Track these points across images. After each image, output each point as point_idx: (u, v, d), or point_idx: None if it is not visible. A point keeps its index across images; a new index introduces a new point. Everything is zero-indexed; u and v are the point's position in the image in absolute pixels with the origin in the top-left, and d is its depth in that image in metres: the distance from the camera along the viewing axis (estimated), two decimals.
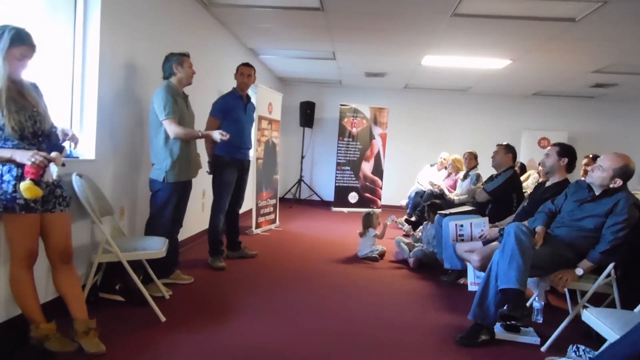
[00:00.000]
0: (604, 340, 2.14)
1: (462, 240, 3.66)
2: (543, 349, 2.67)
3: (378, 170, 8.51)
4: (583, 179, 3.18)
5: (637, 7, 3.86)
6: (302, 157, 8.99)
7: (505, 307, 2.59)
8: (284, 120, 7.28)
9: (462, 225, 3.65)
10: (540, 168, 4.12)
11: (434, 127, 9.10)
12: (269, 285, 3.64)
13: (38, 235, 2.16)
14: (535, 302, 3.04)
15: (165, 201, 3.19)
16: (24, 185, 1.92)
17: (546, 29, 4.61)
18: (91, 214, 2.65)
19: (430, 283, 4.01)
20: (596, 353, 2.28)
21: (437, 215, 4.27)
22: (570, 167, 3.28)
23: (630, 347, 1.79)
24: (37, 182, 1.96)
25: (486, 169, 4.96)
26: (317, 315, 3.06)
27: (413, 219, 6.26)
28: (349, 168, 8.35)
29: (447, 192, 5.88)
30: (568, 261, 2.70)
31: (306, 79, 8.87)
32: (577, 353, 2.51)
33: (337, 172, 8.33)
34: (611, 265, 2.57)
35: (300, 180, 8.98)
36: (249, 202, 5.41)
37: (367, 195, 8.43)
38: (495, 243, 3.17)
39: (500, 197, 4.08)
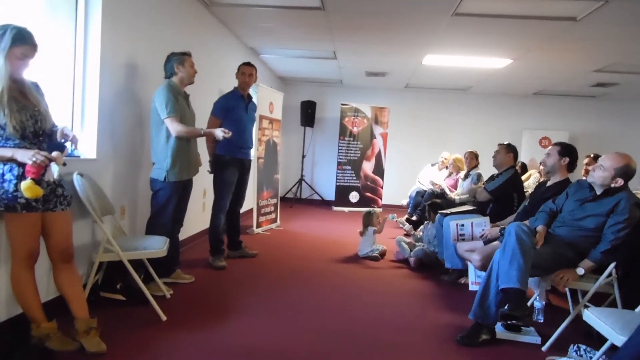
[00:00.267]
0: (605, 340, 2.14)
1: (463, 239, 3.66)
2: (544, 348, 2.67)
3: (379, 170, 8.51)
4: (584, 178, 3.18)
5: (638, 7, 3.85)
6: (303, 157, 8.99)
7: (506, 307, 2.58)
8: (285, 119, 7.28)
9: (463, 225, 3.65)
10: (541, 167, 4.14)
11: (435, 127, 9.10)
12: (269, 285, 3.64)
13: (39, 235, 2.16)
14: (536, 301, 3.04)
15: (166, 200, 3.19)
16: (25, 184, 1.92)
17: (547, 29, 4.60)
18: (92, 213, 2.65)
19: (431, 282, 4.01)
20: (597, 354, 2.28)
21: (438, 214, 4.27)
22: (571, 166, 3.28)
23: (635, 348, 1.78)
24: (38, 181, 1.96)
25: (487, 169, 4.96)
26: (317, 315, 3.06)
27: (414, 218, 6.26)
28: (349, 167, 8.35)
29: (448, 192, 5.88)
30: (569, 261, 2.70)
31: (307, 79, 8.87)
32: (578, 353, 2.51)
33: (338, 171, 8.33)
34: (612, 265, 2.57)
35: (301, 180, 8.98)
36: (249, 202, 5.42)
37: (368, 194, 8.43)
38: (496, 242, 3.16)
39: (501, 197, 4.07)
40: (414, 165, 8.14)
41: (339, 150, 8.33)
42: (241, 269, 4.03)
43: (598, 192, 2.75)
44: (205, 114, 4.06)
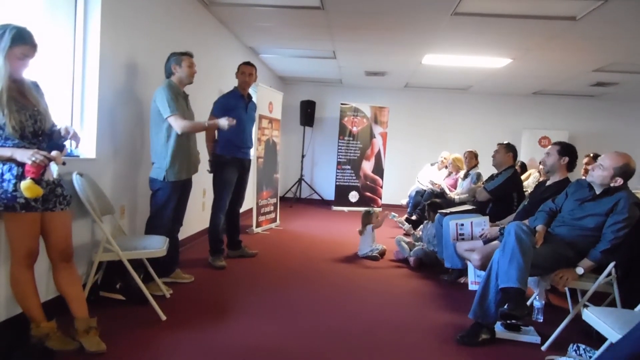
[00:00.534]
0: (604, 339, 2.14)
1: (463, 239, 3.66)
2: (543, 348, 2.67)
3: (378, 169, 8.51)
4: (584, 177, 3.18)
5: (638, 6, 3.85)
6: (303, 156, 8.99)
7: (505, 306, 2.58)
8: (285, 119, 7.28)
9: (462, 225, 3.65)
10: (540, 167, 4.14)
11: (435, 126, 9.10)
12: (269, 285, 3.64)
13: (39, 234, 2.16)
14: (536, 301, 3.04)
15: (165, 200, 3.19)
16: (25, 184, 1.92)
17: (547, 28, 4.60)
18: (92, 213, 2.65)
19: (431, 282, 4.01)
20: (597, 353, 2.28)
21: (438, 214, 4.27)
22: (570, 166, 3.28)
23: (631, 346, 1.79)
24: (37, 181, 1.96)
25: (487, 168, 4.96)
26: (317, 315, 3.06)
27: (414, 218, 6.26)
28: (349, 167, 8.35)
29: (447, 191, 5.88)
30: (568, 260, 2.70)
31: (307, 78, 8.87)
32: (578, 352, 2.51)
33: (338, 171, 8.33)
34: (612, 265, 2.57)
35: (300, 180, 8.98)
36: (249, 201, 5.41)
37: (368, 194, 8.43)
38: (495, 242, 3.17)
39: (501, 196, 4.07)
40: (413, 165, 8.14)
41: (339, 150, 8.33)
42: (241, 268, 4.03)
43: (597, 192, 2.75)
44: (205, 114, 4.06)
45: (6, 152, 1.98)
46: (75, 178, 2.61)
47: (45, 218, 2.15)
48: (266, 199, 6.00)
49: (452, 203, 5.17)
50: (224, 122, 3.28)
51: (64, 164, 2.10)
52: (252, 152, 4.97)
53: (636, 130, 8.65)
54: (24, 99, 2.07)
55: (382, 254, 4.80)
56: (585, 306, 2.44)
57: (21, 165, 1.98)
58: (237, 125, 3.93)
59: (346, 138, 8.33)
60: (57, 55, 2.84)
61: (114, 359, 2.24)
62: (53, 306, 2.45)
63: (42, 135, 2.12)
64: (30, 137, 2.06)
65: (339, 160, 8.34)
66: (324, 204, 8.88)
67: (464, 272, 3.92)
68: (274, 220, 6.28)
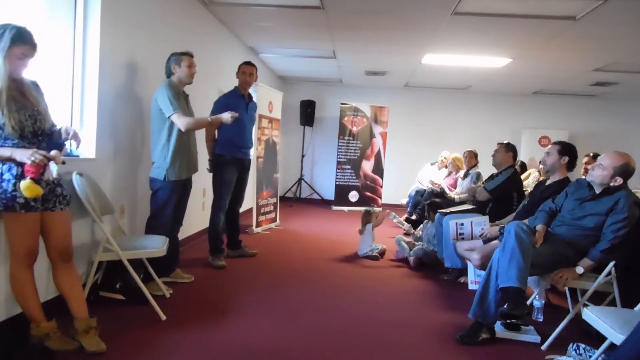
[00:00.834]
0: (604, 338, 2.14)
1: (463, 238, 3.66)
2: (543, 347, 2.67)
3: (378, 169, 8.51)
4: (584, 177, 3.18)
5: (638, 5, 3.85)
6: (303, 156, 8.99)
7: (505, 306, 2.58)
8: (285, 119, 7.28)
9: (462, 224, 3.65)
10: (540, 167, 4.13)
11: (435, 126, 9.10)
12: (269, 284, 3.64)
13: (38, 234, 2.16)
14: (536, 300, 3.04)
15: (165, 200, 3.19)
16: (24, 184, 1.92)
17: (547, 28, 4.60)
18: (91, 212, 2.65)
19: (431, 282, 4.01)
20: (597, 352, 2.28)
21: (438, 214, 4.27)
22: (570, 165, 3.28)
23: (632, 350, 1.78)
24: (37, 180, 1.96)
25: (486, 168, 4.96)
26: (317, 314, 3.06)
27: (413, 217, 6.26)
28: (349, 167, 8.35)
29: (447, 191, 5.87)
30: (568, 260, 2.70)
31: (306, 78, 8.87)
32: (578, 352, 2.51)
33: (338, 170, 8.33)
34: (611, 264, 2.57)
35: (300, 179, 8.98)
36: (249, 201, 5.41)
37: (368, 194, 8.43)
38: (495, 242, 3.17)
39: (501, 196, 4.07)
40: (413, 165, 8.13)
41: (339, 150, 8.33)
42: (241, 268, 4.03)
43: (597, 191, 2.76)
44: (205, 114, 4.04)
45: (5, 151, 1.98)
46: (75, 178, 2.61)
47: (45, 218, 2.15)
48: (266, 198, 6.00)
49: (452, 203, 5.16)
50: (227, 115, 3.28)
51: (63, 163, 2.10)
52: (252, 152, 4.97)
53: (636, 130, 8.65)
54: (24, 98, 2.07)
55: (382, 253, 4.80)
56: (585, 305, 2.43)
57: (21, 165, 1.98)
58: (238, 125, 3.95)
59: (346, 138, 8.33)
60: (57, 54, 2.83)
61: (114, 358, 2.24)
62: (53, 306, 2.45)
63: (41, 135, 2.12)
64: (30, 137, 2.06)
65: (338, 160, 8.34)
66: (323, 203, 8.88)
67: (463, 271, 3.93)
68: (274, 220, 6.28)
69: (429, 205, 4.95)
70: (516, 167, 4.42)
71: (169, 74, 3.23)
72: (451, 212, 4.12)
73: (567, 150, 3.25)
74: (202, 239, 4.67)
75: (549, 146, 3.40)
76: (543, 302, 3.05)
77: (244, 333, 2.66)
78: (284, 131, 7.95)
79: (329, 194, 8.74)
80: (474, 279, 3.70)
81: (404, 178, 8.33)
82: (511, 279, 2.51)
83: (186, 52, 3.26)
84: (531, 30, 4.72)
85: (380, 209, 7.14)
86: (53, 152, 2.02)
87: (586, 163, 5.29)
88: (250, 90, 4.29)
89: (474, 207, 4.33)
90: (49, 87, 2.51)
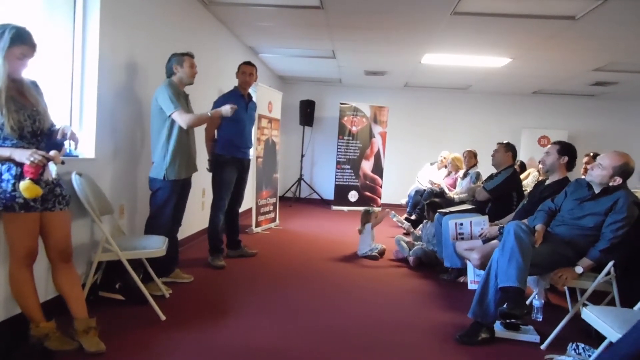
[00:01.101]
0: (603, 338, 2.14)
1: (462, 238, 3.66)
2: (543, 347, 2.68)
3: (378, 169, 8.51)
4: (583, 177, 3.18)
5: (638, 5, 3.85)
6: (302, 156, 8.99)
7: (505, 306, 2.58)
8: (284, 119, 7.28)
9: (462, 224, 3.65)
10: (540, 166, 4.13)
11: (434, 126, 9.10)
12: (268, 284, 3.64)
13: (38, 234, 2.16)
14: (535, 300, 3.04)
15: (165, 200, 3.19)
16: (24, 184, 1.92)
17: (546, 27, 4.60)
18: (91, 212, 2.65)
19: (430, 281, 4.01)
20: (596, 352, 2.28)
21: (437, 213, 4.27)
22: (570, 165, 3.28)
23: (629, 346, 1.79)
24: (36, 181, 1.96)
25: (486, 168, 4.96)
26: (316, 314, 3.06)
27: (413, 217, 6.26)
28: (349, 167, 8.35)
29: (447, 191, 5.88)
30: (568, 259, 2.70)
31: (306, 78, 8.87)
32: (577, 351, 2.51)
33: (337, 170, 8.33)
34: (611, 263, 2.57)
35: (300, 179, 8.98)
36: (249, 201, 5.41)
37: (367, 193, 8.43)
38: (495, 241, 3.17)
39: (500, 196, 4.08)
40: (413, 165, 8.13)
41: (338, 150, 8.33)
42: (240, 268, 4.03)
43: (596, 191, 2.76)
44: None
45: (5, 152, 1.98)
46: (75, 178, 2.61)
47: (44, 218, 2.15)
48: (265, 198, 6.00)
49: (451, 202, 5.16)
50: (226, 108, 3.30)
51: (62, 163, 2.10)
52: (252, 152, 4.97)
53: (635, 130, 8.65)
54: (23, 98, 2.07)
55: (382, 253, 4.80)
56: (585, 305, 2.43)
57: (20, 165, 1.98)
58: (237, 125, 3.96)
59: (346, 138, 8.33)
60: (56, 54, 2.83)
61: (114, 359, 2.24)
62: (52, 306, 2.45)
63: (40, 135, 2.12)
64: (29, 137, 2.06)
65: (338, 159, 8.34)
66: (323, 203, 8.88)
67: (463, 271, 3.93)
68: (274, 220, 6.28)
69: (428, 205, 4.95)
70: (515, 167, 4.43)
71: (169, 74, 3.22)
72: (450, 212, 4.12)
73: (567, 150, 3.26)
74: (201, 239, 4.67)
75: (549, 146, 3.40)
76: (542, 301, 3.05)
77: (244, 333, 2.66)
78: (283, 131, 7.95)
79: (329, 193, 8.74)
80: (473, 279, 3.70)
81: (404, 178, 8.33)
82: (510, 278, 2.51)
83: (187, 52, 3.26)
84: (531, 30, 4.72)
85: (379, 208, 7.14)
86: (52, 153, 2.02)
87: (586, 163, 5.29)
88: (250, 90, 4.29)
89: (474, 207, 4.34)
90: (49, 87, 2.51)
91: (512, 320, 2.78)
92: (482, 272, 2.89)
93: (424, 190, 6.41)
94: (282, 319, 2.93)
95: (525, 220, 2.98)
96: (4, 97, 1.95)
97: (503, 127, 8.84)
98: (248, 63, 4.15)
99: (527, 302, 3.04)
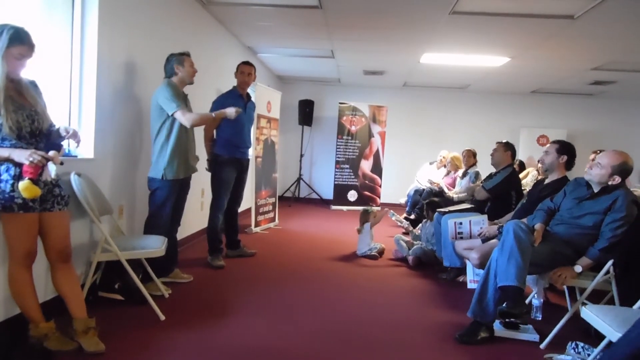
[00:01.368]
0: (603, 337, 2.14)
1: (461, 238, 3.67)
2: (542, 346, 2.68)
3: (377, 169, 8.51)
4: (582, 176, 3.19)
5: (636, 4, 3.86)
6: (301, 156, 8.98)
7: (504, 305, 2.59)
8: (283, 118, 7.27)
9: (461, 223, 3.66)
10: (539, 165, 4.14)
11: (433, 125, 9.10)
12: (268, 284, 3.64)
13: (37, 235, 2.16)
14: (535, 299, 3.05)
15: (164, 200, 3.19)
16: (23, 185, 1.91)
17: (545, 27, 4.60)
18: (90, 213, 2.64)
19: (430, 281, 4.01)
20: (595, 351, 2.29)
21: (436, 213, 4.27)
22: (569, 164, 3.29)
23: (629, 346, 1.79)
24: (35, 181, 1.96)
25: (485, 167, 4.96)
26: (316, 314, 3.06)
27: (412, 216, 6.26)
28: (348, 166, 8.35)
29: (446, 190, 5.88)
30: (567, 258, 2.71)
31: (305, 77, 8.86)
32: (576, 350, 2.51)
33: (336, 170, 8.33)
34: (610, 262, 2.58)
35: (299, 179, 8.98)
36: (248, 201, 5.41)
37: (367, 193, 8.43)
38: (494, 241, 3.17)
39: (499, 195, 4.08)
40: (412, 164, 8.13)
41: (337, 149, 8.33)
42: (239, 268, 4.03)
43: (595, 190, 2.76)
44: None
45: (3, 152, 1.97)
46: (73, 178, 2.61)
47: (43, 218, 2.14)
48: (265, 198, 6.00)
49: (450, 202, 5.17)
50: (231, 110, 3.29)
51: (61, 163, 2.10)
52: (251, 152, 4.97)
53: (634, 129, 8.66)
54: (22, 98, 2.06)
55: (381, 253, 4.80)
56: (584, 304, 2.44)
57: (19, 165, 1.98)
58: (236, 125, 3.95)
59: (345, 137, 8.32)
60: (55, 54, 2.83)
61: (113, 359, 2.24)
62: (51, 306, 2.45)
63: (39, 135, 2.11)
64: (28, 137, 2.06)
65: (337, 159, 8.34)
66: (322, 203, 8.88)
67: (462, 270, 3.93)
68: (273, 219, 6.28)
69: (427, 204, 4.95)
70: (515, 166, 4.43)
71: (170, 74, 3.21)
72: (450, 212, 4.12)
73: (566, 149, 3.26)
74: (200, 238, 4.67)
75: (548, 145, 3.41)
76: (542, 300, 3.06)
77: (243, 333, 2.66)
78: (282, 131, 7.95)
79: (328, 193, 8.74)
80: (472, 278, 3.70)
81: (403, 177, 8.33)
82: (510, 277, 2.51)
83: (185, 52, 3.25)
84: (529, 29, 4.72)
85: (378, 208, 7.14)
86: (51, 153, 2.01)
87: (592, 160, 5.28)
88: (249, 90, 4.29)
89: (473, 206, 4.34)
90: (47, 87, 2.51)
91: (512, 319, 2.78)
92: (481, 272, 2.89)
93: (423, 189, 6.41)
94: (282, 319, 2.93)
95: (524, 220, 2.98)
96: (2, 97, 1.95)
97: (502, 127, 8.84)
98: (247, 63, 4.15)
99: (527, 301, 3.05)
